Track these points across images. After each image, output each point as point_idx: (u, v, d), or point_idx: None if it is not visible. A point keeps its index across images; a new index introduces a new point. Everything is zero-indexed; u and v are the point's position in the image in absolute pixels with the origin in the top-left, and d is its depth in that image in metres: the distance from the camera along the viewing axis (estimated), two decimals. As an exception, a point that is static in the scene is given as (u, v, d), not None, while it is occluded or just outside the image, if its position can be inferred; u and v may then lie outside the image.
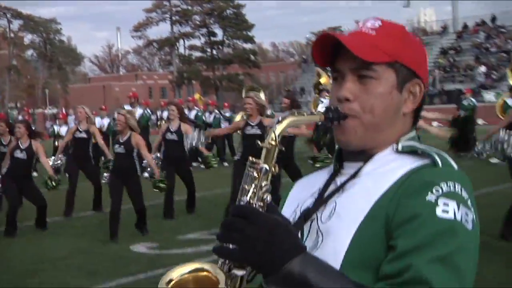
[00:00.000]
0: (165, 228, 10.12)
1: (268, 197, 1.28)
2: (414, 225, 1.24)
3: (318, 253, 1.32)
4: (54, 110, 26.78)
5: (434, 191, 1.28)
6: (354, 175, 1.44)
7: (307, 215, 1.46)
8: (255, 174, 1.29)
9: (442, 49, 50.48)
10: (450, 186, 1.29)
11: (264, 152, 1.31)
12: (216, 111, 23.02)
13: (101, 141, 12.38)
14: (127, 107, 19.77)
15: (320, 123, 1.46)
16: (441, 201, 1.25)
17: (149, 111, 22.65)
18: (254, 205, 1.26)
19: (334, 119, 1.39)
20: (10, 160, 10.50)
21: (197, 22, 74.43)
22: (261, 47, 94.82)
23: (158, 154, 11.74)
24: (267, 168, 1.28)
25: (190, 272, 1.33)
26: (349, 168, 1.48)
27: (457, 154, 10.78)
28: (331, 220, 1.39)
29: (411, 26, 61.76)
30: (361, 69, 1.39)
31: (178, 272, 1.33)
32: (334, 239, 1.35)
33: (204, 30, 74.03)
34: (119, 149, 9.96)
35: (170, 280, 1.31)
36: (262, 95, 15.95)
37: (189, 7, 74.56)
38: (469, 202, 1.30)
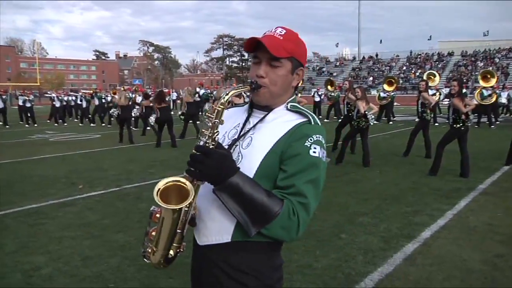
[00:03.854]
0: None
1: (217, 138, 1.36)
2: (297, 159, 1.38)
3: (242, 169, 1.39)
4: (165, 90, 35.17)
5: (309, 139, 1.40)
6: (262, 119, 1.51)
7: (234, 143, 1.50)
8: (210, 124, 1.36)
9: (353, 68, 57.10)
10: (318, 137, 1.42)
11: (216, 112, 1.38)
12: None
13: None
14: (198, 89, 23.37)
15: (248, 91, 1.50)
16: (312, 146, 1.40)
17: (208, 91, 25.17)
18: (209, 145, 1.35)
19: (255, 88, 1.48)
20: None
21: (235, 49, 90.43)
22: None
23: None
24: (218, 121, 1.37)
25: (171, 181, 1.40)
26: (257, 113, 1.54)
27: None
28: (248, 149, 1.46)
29: (339, 56, 64.73)
30: (272, 60, 1.46)
31: (163, 182, 1.39)
32: (249, 161, 1.43)
33: (239, 53, 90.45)
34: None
35: (159, 189, 1.38)
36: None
37: (232, 42, 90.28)
38: (324, 145, 1.45)
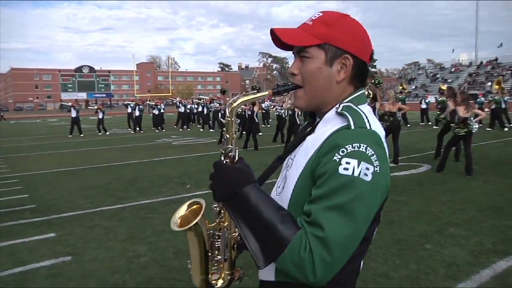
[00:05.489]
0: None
1: (232, 154, 1.12)
2: (323, 179, 1.02)
3: (282, 195, 1.15)
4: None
5: (340, 152, 1.01)
6: (312, 130, 1.19)
7: (279, 159, 1.25)
8: (224, 140, 1.16)
9: (469, 74, 53.00)
10: (355, 147, 1.01)
11: (226, 125, 1.15)
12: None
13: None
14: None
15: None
16: (343, 161, 1.00)
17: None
18: (223, 161, 1.12)
19: (279, 92, 1.17)
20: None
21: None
22: (380, 70, 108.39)
23: None
24: (228, 136, 1.14)
25: (188, 206, 1.27)
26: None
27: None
28: (289, 169, 1.16)
29: (454, 62, 58.74)
30: (300, 52, 1.14)
31: (183, 209, 1.27)
32: (287, 185, 1.14)
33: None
34: None
35: (180, 216, 1.25)
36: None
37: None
38: (373, 157, 1.01)
